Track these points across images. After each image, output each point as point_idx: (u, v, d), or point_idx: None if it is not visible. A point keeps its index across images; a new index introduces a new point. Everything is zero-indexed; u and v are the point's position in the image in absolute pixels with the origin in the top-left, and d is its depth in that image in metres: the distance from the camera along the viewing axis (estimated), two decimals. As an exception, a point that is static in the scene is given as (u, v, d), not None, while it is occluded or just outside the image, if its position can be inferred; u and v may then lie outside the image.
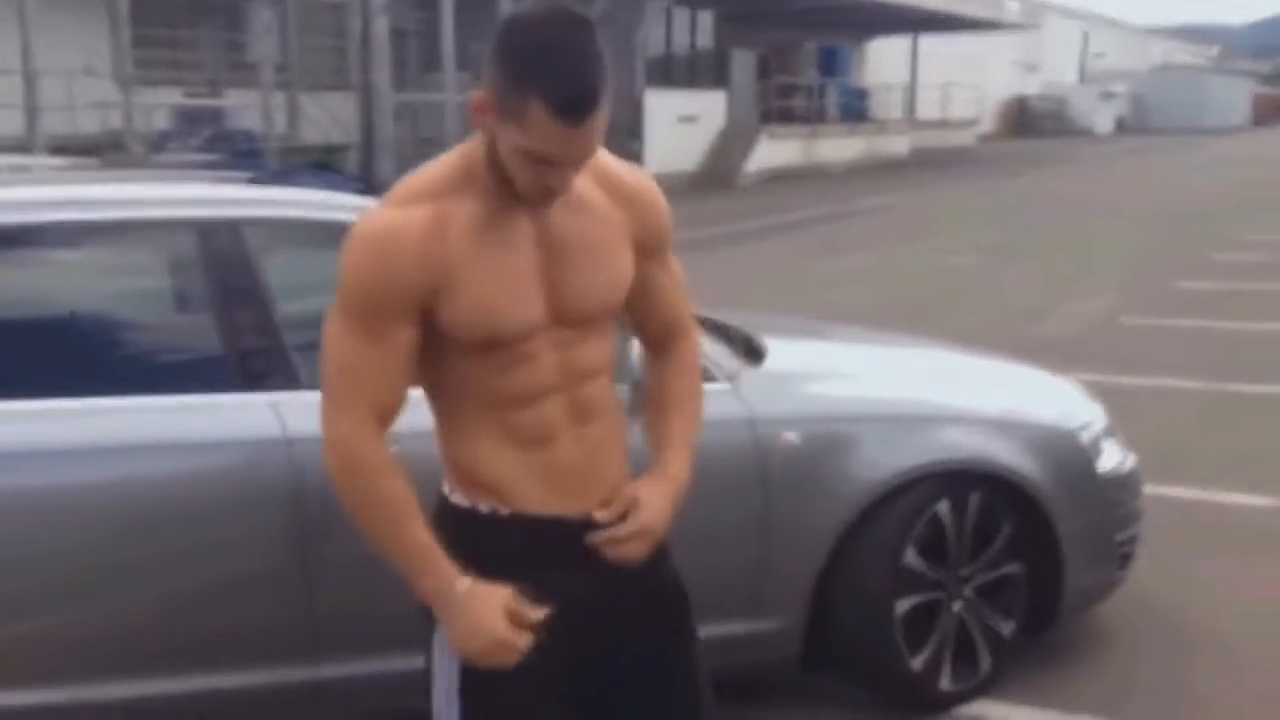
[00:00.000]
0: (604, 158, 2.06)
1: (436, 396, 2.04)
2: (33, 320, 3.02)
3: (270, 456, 2.87)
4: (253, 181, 3.34)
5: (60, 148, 15.08)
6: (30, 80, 15.77)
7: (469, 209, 1.92)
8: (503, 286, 1.93)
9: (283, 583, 2.93)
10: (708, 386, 3.23)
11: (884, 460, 3.43)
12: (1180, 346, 9.01)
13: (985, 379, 4.16)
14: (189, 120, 19.02)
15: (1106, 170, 30.04)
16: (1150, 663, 3.94)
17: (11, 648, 2.78)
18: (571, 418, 2.04)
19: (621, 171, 2.11)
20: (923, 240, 15.94)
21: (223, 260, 3.02)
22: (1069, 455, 3.73)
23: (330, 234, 3.02)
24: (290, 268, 3.12)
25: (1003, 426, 3.68)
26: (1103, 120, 53.79)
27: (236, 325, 3.00)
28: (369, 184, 3.19)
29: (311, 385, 2.88)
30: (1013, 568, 3.65)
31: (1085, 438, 3.79)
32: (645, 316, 2.18)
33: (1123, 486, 3.88)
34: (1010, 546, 3.62)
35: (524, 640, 1.96)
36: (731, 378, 3.39)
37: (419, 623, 2.06)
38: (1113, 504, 3.83)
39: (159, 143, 17.57)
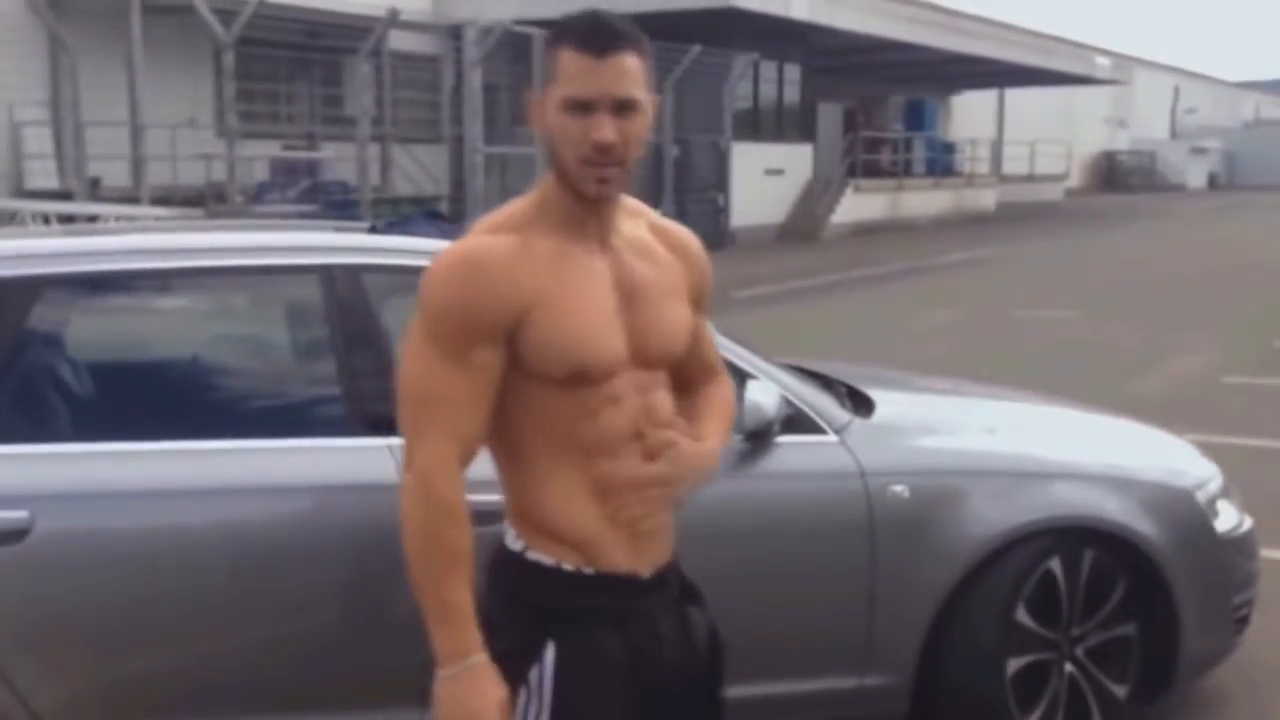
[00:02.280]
0: (656, 216, 2.14)
1: (509, 441, 2.02)
2: (163, 363, 3.11)
3: (389, 501, 2.90)
4: (372, 230, 3.38)
5: (163, 198, 15.54)
6: (137, 132, 16.24)
7: (547, 243, 1.96)
8: (589, 318, 1.96)
9: (395, 630, 2.96)
10: (816, 439, 3.29)
11: (995, 516, 3.39)
12: (1284, 407, 8.79)
13: (1098, 434, 4.09)
14: (286, 172, 19.43)
15: (1198, 226, 29.50)
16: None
17: (129, 684, 2.84)
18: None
19: (671, 225, 2.17)
20: (1013, 294, 15.74)
21: (345, 306, 3.08)
22: (1185, 514, 3.66)
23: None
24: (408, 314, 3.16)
25: (1116, 483, 3.61)
26: (1194, 176, 52.93)
27: (357, 370, 3.05)
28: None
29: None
30: (1127, 629, 3.57)
31: (1201, 497, 3.72)
32: (689, 361, 2.19)
33: (1240, 548, 3.79)
34: (1124, 607, 3.55)
35: None
36: (839, 429, 3.38)
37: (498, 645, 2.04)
38: (1230, 566, 3.74)
39: (257, 193, 17.97)
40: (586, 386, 1.96)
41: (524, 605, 2.01)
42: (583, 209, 1.97)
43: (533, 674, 1.99)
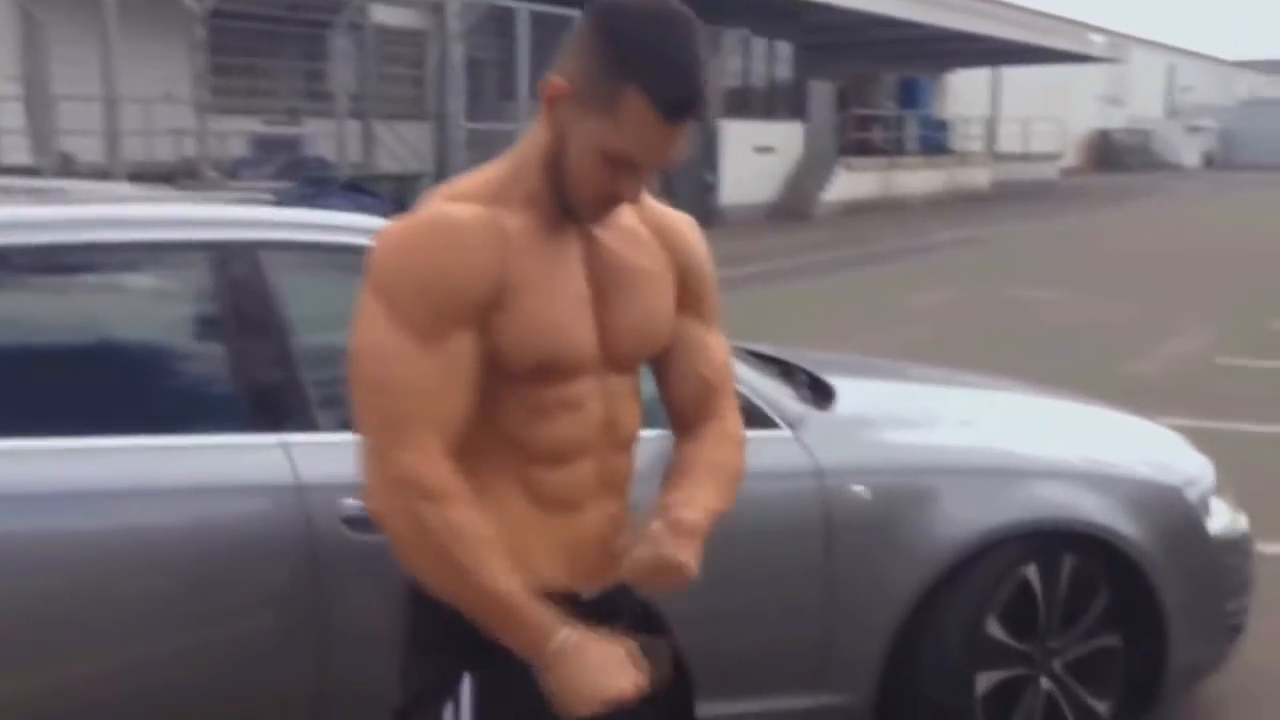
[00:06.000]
0: (645, 196, 1.79)
1: None
2: (27, 351, 2.77)
3: (280, 503, 2.59)
4: (277, 203, 3.05)
5: (138, 175, 15.17)
6: (111, 106, 15.88)
7: (519, 221, 1.65)
8: (558, 308, 1.67)
9: (290, 644, 2.64)
10: (766, 433, 2.96)
11: (965, 518, 3.08)
12: (1280, 390, 8.51)
13: (1080, 428, 3.78)
14: (266, 148, 19.08)
15: (1193, 206, 29.21)
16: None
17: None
18: (599, 487, 1.74)
19: (665, 210, 1.84)
20: (1005, 274, 15.44)
21: (238, 287, 2.76)
22: (1174, 514, 3.35)
23: (350, 261, 2.78)
24: (309, 297, 2.84)
25: (1100, 481, 3.30)
26: (1189, 155, 52.63)
27: (250, 360, 2.73)
28: (405, 207, 3.01)
29: (330, 427, 2.64)
30: (1110, 640, 3.26)
31: (1192, 494, 3.40)
32: (678, 380, 1.85)
33: (1233, 550, 3.48)
34: (1107, 617, 3.24)
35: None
36: (794, 423, 3.06)
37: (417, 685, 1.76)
38: (1223, 570, 3.43)
39: (234, 170, 17.63)
40: (549, 384, 1.67)
41: (437, 635, 1.71)
42: (563, 210, 1.68)
43: (447, 713, 1.69)
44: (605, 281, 1.72)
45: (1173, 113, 57.81)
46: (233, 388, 2.72)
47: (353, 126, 19.49)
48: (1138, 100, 54.58)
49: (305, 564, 2.59)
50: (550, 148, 1.64)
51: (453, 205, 1.65)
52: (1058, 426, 3.73)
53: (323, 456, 2.59)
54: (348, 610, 2.63)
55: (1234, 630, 3.49)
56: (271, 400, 2.69)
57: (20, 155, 16.44)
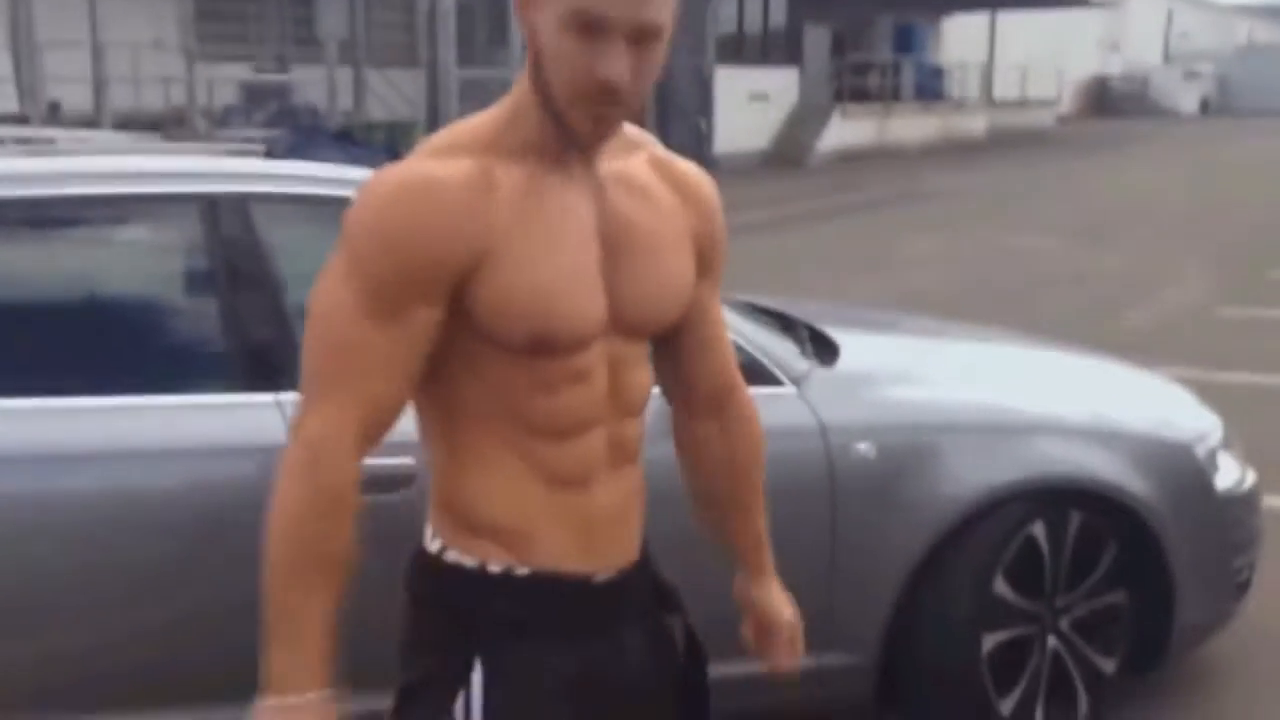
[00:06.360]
0: (661, 149, 1.68)
1: (439, 417, 1.60)
2: (15, 308, 2.70)
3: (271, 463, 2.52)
4: (268, 155, 2.97)
5: (125, 123, 15.01)
6: (98, 53, 15.69)
7: (517, 173, 1.52)
8: (560, 272, 1.52)
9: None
10: (770, 390, 2.91)
11: (971, 476, 3.03)
12: (1282, 340, 8.46)
13: (1086, 381, 3.72)
14: (255, 96, 18.89)
15: (1189, 152, 29.07)
16: (1273, 703, 3.50)
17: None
18: (611, 460, 1.63)
19: (679, 161, 1.71)
20: (999, 222, 15.36)
21: (229, 241, 2.68)
22: (1182, 471, 3.30)
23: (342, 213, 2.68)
24: (302, 250, 2.76)
25: (1107, 438, 3.24)
26: (1187, 101, 52.36)
27: (242, 316, 2.66)
28: (398, 156, 2.92)
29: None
30: (1116, 598, 3.22)
31: (1201, 451, 3.36)
32: (699, 350, 1.75)
33: (1241, 506, 3.43)
34: (1114, 574, 3.20)
35: None
36: (798, 380, 3.00)
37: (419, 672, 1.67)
38: (1230, 526, 3.39)
39: (223, 118, 17.47)
40: (550, 357, 1.53)
41: (444, 621, 1.61)
42: (564, 140, 1.53)
43: (458, 705, 1.57)
44: (617, 242, 1.58)
45: (1170, 59, 57.46)
46: (226, 345, 2.66)
47: (343, 74, 19.30)
48: (1135, 46, 54.25)
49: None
50: (533, 58, 1.50)
51: (436, 160, 1.51)
52: (1064, 381, 3.67)
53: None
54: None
55: (1241, 587, 3.45)
56: (266, 358, 2.62)
57: (7, 103, 16.26)
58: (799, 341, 3.32)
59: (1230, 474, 3.42)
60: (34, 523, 2.48)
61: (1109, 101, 50.84)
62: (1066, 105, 45.09)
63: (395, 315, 1.48)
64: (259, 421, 2.54)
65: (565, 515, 1.60)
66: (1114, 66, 52.79)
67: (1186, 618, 3.28)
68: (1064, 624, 3.18)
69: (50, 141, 12.73)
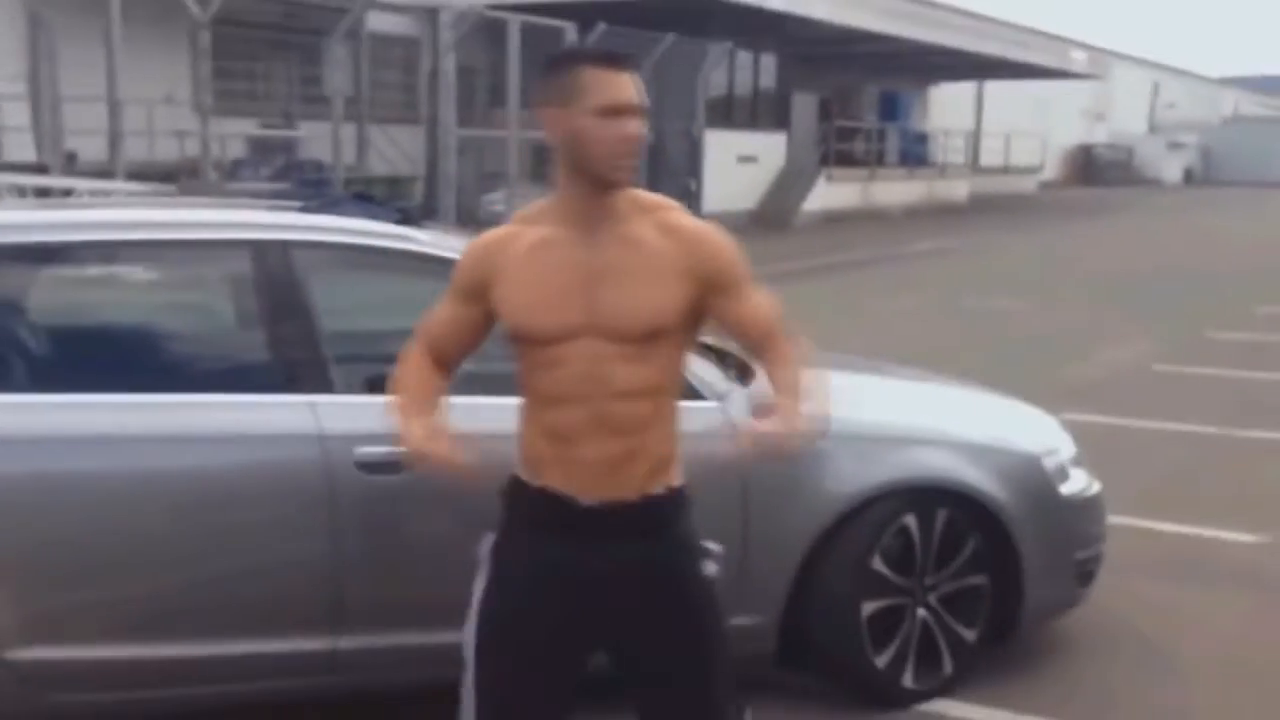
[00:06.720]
0: (673, 213, 2.54)
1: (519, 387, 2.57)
2: (108, 326, 3.51)
3: (306, 450, 3.30)
4: (303, 210, 3.77)
5: (139, 174, 15.79)
6: (114, 108, 16.48)
7: (539, 232, 2.47)
8: (537, 293, 2.45)
9: (312, 564, 3.35)
10: (698, 404, 3.68)
11: (855, 476, 3.80)
12: (1204, 393, 9.24)
13: (966, 408, 4.51)
14: (262, 150, 19.71)
15: (1166, 221, 29.99)
16: (1106, 672, 4.26)
17: (80, 611, 3.23)
18: (597, 427, 2.45)
19: (685, 220, 2.56)
20: (971, 284, 16.17)
21: (273, 278, 3.47)
22: (1032, 479, 4.08)
23: (363, 258, 3.53)
24: (331, 286, 3.56)
25: (972, 450, 4.03)
26: (1170, 171, 53.43)
27: (283, 336, 3.44)
28: (406, 213, 3.60)
29: (348, 390, 3.36)
30: (977, 580, 3.99)
31: (1049, 463, 4.14)
32: (742, 334, 2.61)
33: (1085, 509, 4.22)
34: (976, 561, 3.97)
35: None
36: (721, 397, 3.78)
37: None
38: (1073, 524, 4.17)
39: (233, 171, 18.25)
40: (535, 346, 2.46)
41: (507, 504, 2.60)
42: (593, 198, 2.44)
43: (483, 546, 2.61)
44: (596, 274, 2.42)
45: (1156, 129, 58.58)
46: (270, 358, 3.44)
47: (348, 130, 20.08)
48: (1121, 116, 55.25)
49: (324, 497, 3.31)
50: (570, 151, 2.40)
51: (500, 228, 2.55)
52: (942, 405, 4.48)
53: (342, 413, 3.32)
54: (359, 536, 3.34)
55: (1085, 576, 4.22)
56: (301, 369, 3.40)
57: (26, 152, 17.06)
58: (726, 368, 4.09)
59: (1078, 483, 4.20)
60: (143, 494, 3.26)
61: (1094, 170, 51.76)
62: (1052, 173, 46.01)
63: (455, 305, 2.60)
64: (295, 416, 3.32)
65: (558, 459, 2.50)
66: (1100, 135, 53.82)
67: (1034, 598, 4.05)
68: (932, 599, 3.94)
69: (69, 191, 13.35)
